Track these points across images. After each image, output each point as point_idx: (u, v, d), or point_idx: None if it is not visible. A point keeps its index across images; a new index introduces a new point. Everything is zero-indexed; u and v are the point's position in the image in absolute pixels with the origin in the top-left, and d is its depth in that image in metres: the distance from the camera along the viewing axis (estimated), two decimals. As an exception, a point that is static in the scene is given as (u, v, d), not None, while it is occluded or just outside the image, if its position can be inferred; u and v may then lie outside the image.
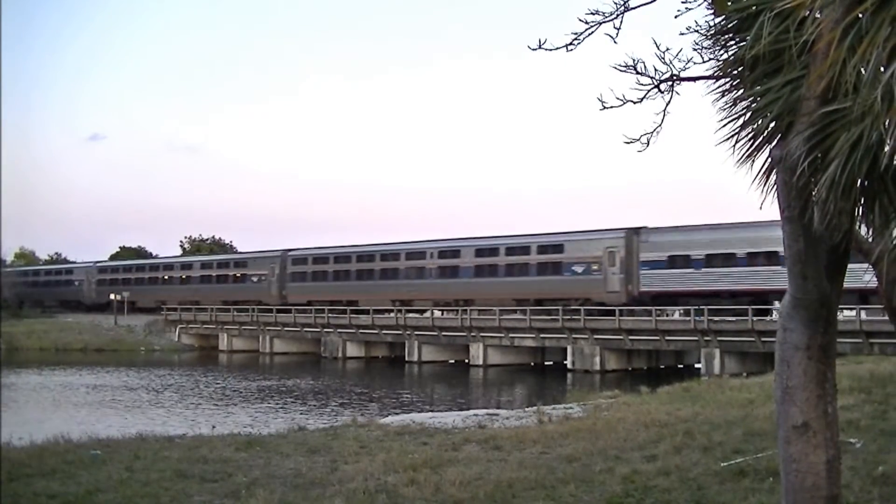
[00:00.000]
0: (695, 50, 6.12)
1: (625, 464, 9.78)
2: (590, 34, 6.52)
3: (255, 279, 66.80)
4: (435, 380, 44.81)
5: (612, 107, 6.66)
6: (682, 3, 6.21)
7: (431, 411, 23.60)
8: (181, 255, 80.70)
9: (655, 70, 6.44)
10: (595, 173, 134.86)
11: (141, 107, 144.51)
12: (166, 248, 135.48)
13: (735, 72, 5.09)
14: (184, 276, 74.31)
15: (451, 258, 54.59)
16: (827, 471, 5.04)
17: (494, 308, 49.75)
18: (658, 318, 42.77)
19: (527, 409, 17.29)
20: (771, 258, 39.30)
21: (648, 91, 6.48)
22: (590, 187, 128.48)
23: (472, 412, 17.30)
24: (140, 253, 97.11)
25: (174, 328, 67.50)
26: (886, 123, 3.92)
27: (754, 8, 4.72)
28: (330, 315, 56.89)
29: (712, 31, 5.30)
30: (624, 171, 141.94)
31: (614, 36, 6.50)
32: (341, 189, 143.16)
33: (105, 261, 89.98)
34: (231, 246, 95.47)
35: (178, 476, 9.62)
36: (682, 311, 43.74)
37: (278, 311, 61.02)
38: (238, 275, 69.02)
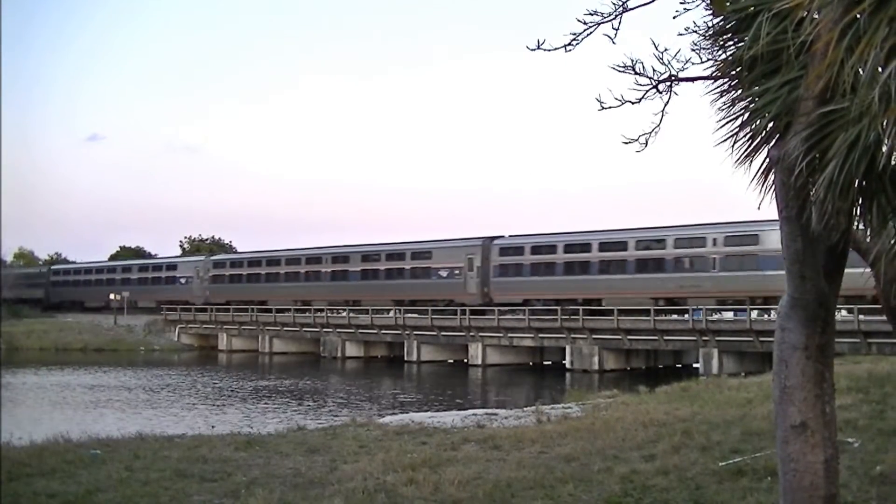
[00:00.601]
0: (693, 50, 6.16)
1: (623, 463, 9.79)
2: (588, 35, 6.55)
3: (443, 273, 54.56)
4: (434, 379, 44.81)
5: (610, 107, 6.69)
6: (681, 3, 6.23)
7: (430, 411, 23.60)
8: (333, 246, 64.47)
9: (654, 70, 6.47)
10: (595, 173, 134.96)
11: (141, 107, 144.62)
12: (166, 248, 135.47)
13: (733, 72, 5.11)
14: (335, 271, 61.37)
15: (743, 245, 42.85)
16: (825, 470, 5.06)
17: (493, 307, 49.72)
18: (656, 318, 42.80)
19: (525, 409, 17.28)
20: None
21: (647, 91, 6.52)
22: (590, 188, 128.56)
23: (470, 412, 17.29)
24: (140, 253, 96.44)
25: (174, 328, 67.45)
26: (884, 124, 3.94)
27: (752, 8, 4.73)
28: (329, 315, 56.79)
29: (711, 32, 5.32)
30: (624, 171, 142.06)
31: (613, 36, 6.53)
32: (341, 189, 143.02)
33: (220, 254, 76.55)
34: (231, 246, 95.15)
35: (178, 475, 9.62)
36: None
37: (278, 311, 60.53)
38: (418, 268, 56.49)
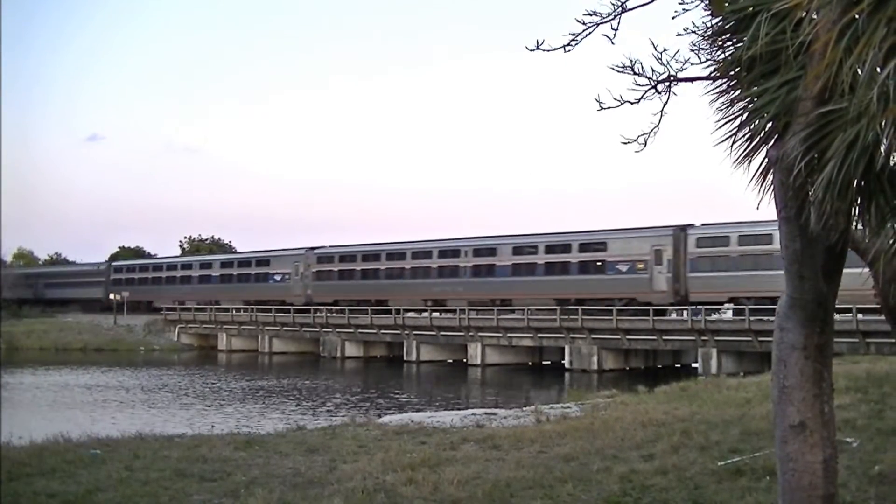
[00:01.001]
0: (692, 51, 6.16)
1: (622, 463, 9.80)
2: (587, 35, 6.55)
3: (622, 268, 46.49)
4: (433, 379, 44.82)
5: (609, 107, 6.70)
6: (680, 4, 6.24)
7: (429, 411, 23.60)
8: (474, 236, 55.39)
9: (653, 71, 6.47)
10: (594, 174, 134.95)
11: (140, 107, 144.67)
12: (166, 248, 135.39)
13: (732, 72, 5.11)
14: (478, 265, 52.57)
15: None
16: (823, 470, 5.07)
17: (492, 308, 49.66)
18: (655, 317, 42.81)
19: (525, 409, 17.30)
20: None
21: (646, 92, 6.52)
22: (589, 188, 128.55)
23: (470, 411, 17.30)
24: (139, 253, 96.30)
25: (173, 328, 67.38)
26: (882, 123, 3.95)
27: (751, 9, 4.73)
28: (328, 315, 56.73)
29: (709, 32, 5.32)
30: (623, 171, 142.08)
31: (612, 37, 6.53)
32: (341, 189, 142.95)
33: (326, 246, 63.31)
34: (230, 246, 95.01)
35: (178, 475, 9.63)
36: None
37: (277, 310, 60.20)
38: (589, 262, 48.04)
